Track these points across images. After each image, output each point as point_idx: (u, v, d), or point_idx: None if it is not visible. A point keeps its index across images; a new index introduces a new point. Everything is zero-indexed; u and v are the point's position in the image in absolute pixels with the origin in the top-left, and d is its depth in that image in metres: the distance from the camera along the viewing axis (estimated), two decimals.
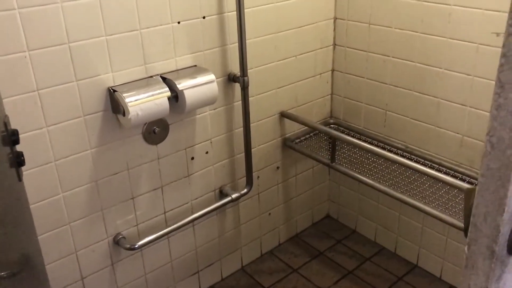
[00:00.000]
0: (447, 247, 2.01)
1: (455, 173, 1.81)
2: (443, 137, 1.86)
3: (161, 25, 1.55)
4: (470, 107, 1.74)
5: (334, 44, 2.11)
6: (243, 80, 1.75)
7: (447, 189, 1.82)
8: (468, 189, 0.77)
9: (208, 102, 1.64)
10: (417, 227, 2.09)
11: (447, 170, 1.84)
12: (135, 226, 1.73)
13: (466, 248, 0.72)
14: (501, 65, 0.60)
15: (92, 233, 1.62)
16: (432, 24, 1.75)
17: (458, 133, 1.81)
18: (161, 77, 1.59)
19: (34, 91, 1.36)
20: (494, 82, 1.88)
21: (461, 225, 1.59)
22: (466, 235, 0.75)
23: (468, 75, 1.71)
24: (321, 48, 2.07)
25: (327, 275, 2.14)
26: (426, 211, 1.71)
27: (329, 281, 2.11)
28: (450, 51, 1.73)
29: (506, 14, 1.69)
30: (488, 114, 1.73)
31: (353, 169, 1.98)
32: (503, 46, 0.59)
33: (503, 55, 0.60)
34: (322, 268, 2.18)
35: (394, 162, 1.89)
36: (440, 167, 1.86)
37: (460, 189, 1.67)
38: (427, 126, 1.90)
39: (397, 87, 1.95)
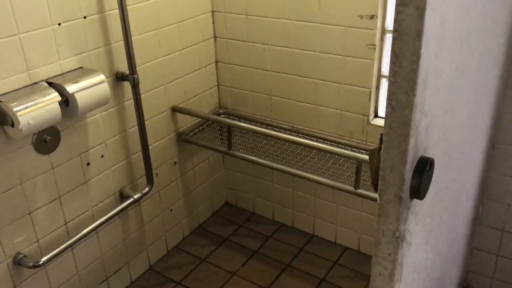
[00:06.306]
0: (338, 213, 2.21)
1: (339, 144, 2.00)
2: (324, 114, 2.04)
3: (41, 28, 1.48)
4: (344, 84, 1.94)
5: (215, 37, 2.17)
6: (133, 78, 1.73)
7: (334, 159, 2.00)
8: (371, 149, 0.89)
9: (101, 104, 1.61)
10: (310, 200, 2.27)
11: (331, 143, 2.02)
12: (36, 242, 1.63)
13: (378, 199, 0.84)
14: (394, 39, 0.72)
15: None
16: (303, 11, 1.90)
17: (337, 109, 2.00)
18: (47, 82, 1.51)
19: None
20: (362, 60, 2.08)
21: (352, 189, 1.78)
22: (375, 189, 0.87)
23: (340, 55, 1.90)
24: (203, 41, 2.12)
25: (235, 259, 2.22)
26: (320, 181, 1.87)
27: (238, 264, 2.20)
28: (322, 35, 1.90)
29: None
30: (360, 89, 1.94)
31: (249, 153, 2.08)
32: (394, 22, 0.71)
33: (395, 30, 0.71)
34: (229, 253, 2.26)
35: (285, 141, 2.03)
36: (325, 141, 2.04)
37: (345, 157, 1.85)
38: (309, 106, 2.06)
39: (279, 72, 2.08)
